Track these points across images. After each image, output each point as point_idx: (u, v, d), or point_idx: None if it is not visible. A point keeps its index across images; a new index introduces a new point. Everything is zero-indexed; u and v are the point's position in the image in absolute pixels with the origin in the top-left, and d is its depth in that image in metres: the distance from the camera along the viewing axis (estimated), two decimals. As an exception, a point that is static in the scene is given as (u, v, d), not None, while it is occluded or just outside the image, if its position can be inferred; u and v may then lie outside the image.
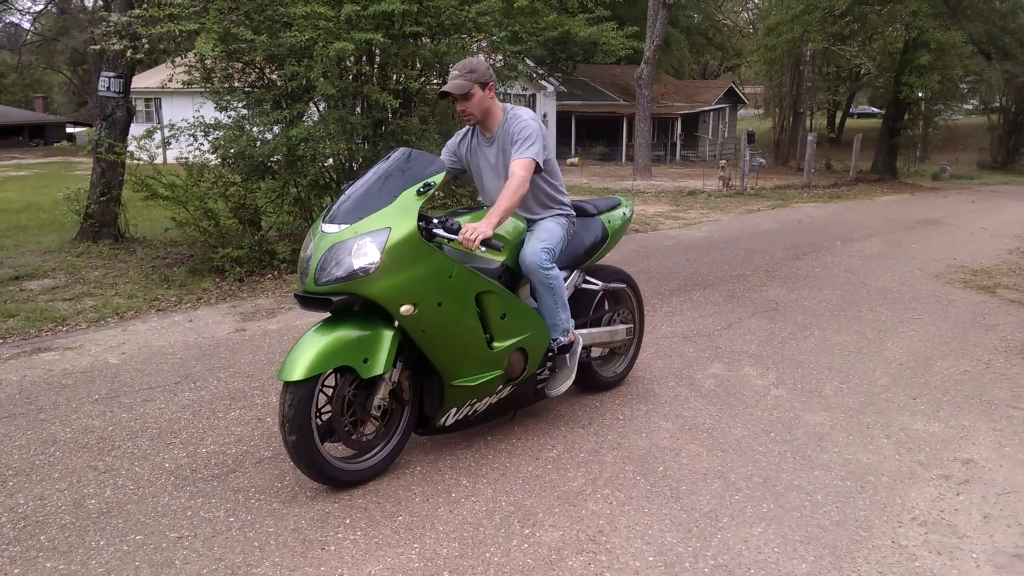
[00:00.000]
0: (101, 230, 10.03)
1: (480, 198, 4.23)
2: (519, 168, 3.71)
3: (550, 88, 27.50)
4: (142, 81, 26.67)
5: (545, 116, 28.36)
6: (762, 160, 20.32)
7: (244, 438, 3.89)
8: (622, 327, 4.75)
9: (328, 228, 3.31)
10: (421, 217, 3.39)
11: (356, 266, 3.18)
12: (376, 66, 7.87)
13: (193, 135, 8.70)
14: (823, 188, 20.26)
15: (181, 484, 3.40)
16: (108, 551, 2.90)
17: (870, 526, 3.18)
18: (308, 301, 3.29)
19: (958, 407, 4.54)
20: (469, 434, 3.98)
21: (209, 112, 8.90)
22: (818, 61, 33.95)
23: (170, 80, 9.35)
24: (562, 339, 4.05)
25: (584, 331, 4.36)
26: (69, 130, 42.19)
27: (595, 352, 4.67)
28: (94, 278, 8.11)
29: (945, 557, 2.96)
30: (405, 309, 3.26)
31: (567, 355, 4.13)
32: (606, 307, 4.78)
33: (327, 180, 8.68)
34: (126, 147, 9.25)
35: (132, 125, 10.12)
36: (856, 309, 6.83)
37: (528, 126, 3.82)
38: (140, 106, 30.88)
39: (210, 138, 8.54)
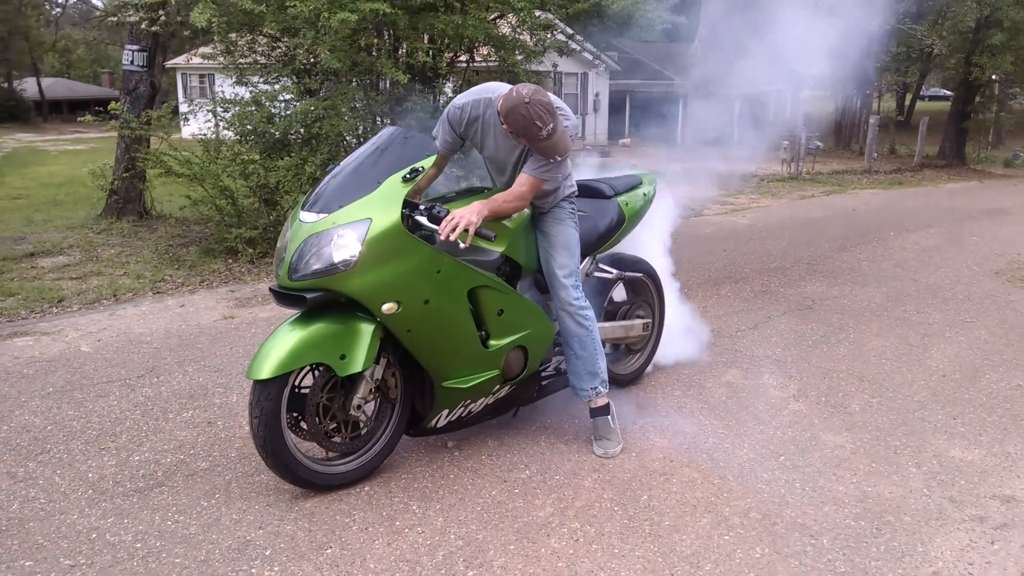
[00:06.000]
0: (125, 206, 9.91)
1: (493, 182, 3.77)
2: (528, 187, 3.27)
3: (602, 66, 26.76)
4: (196, 57, 26.81)
5: (598, 95, 27.67)
6: (819, 143, 19.37)
7: (185, 444, 3.55)
8: (639, 322, 4.35)
9: (306, 217, 3.01)
10: (407, 204, 3.04)
11: (332, 260, 2.88)
12: (393, 39, 7.47)
13: (212, 111, 8.45)
14: (884, 173, 19.27)
15: (97, 499, 3.07)
16: (-3, 577, 2.59)
17: (880, 581, 2.69)
18: (283, 297, 3.00)
19: (1004, 431, 3.97)
20: (433, 448, 3.58)
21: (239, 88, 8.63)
22: (888, 41, 32.43)
23: (194, 55, 9.12)
24: (602, 389, 3.63)
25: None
26: (131, 105, 42.84)
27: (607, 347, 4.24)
28: (108, 256, 7.94)
29: (967, 628, 2.47)
30: (388, 308, 2.96)
31: (608, 417, 3.67)
32: (623, 298, 4.38)
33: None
34: (149, 122, 9.04)
35: (181, 101, 9.94)
36: (901, 309, 6.22)
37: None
38: (195, 81, 31.07)
39: (227, 115, 8.28)
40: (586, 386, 3.60)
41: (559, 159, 3.22)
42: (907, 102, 45.28)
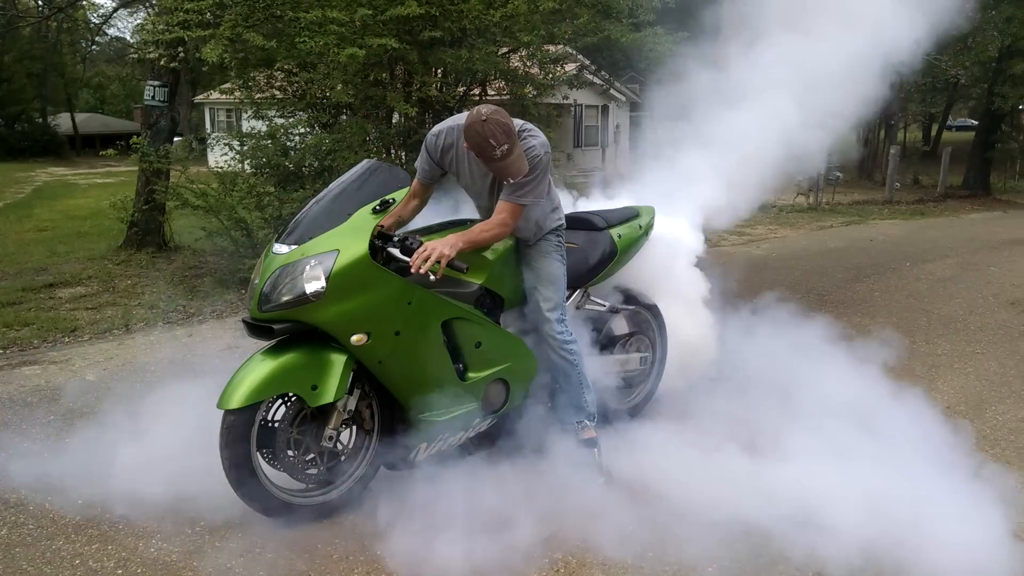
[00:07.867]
0: (145, 238, 10.10)
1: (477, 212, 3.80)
2: (508, 213, 3.25)
3: (622, 99, 26.85)
4: (216, 93, 27.34)
5: (618, 127, 27.77)
6: (839, 174, 19.26)
7: (175, 472, 3.55)
8: (636, 355, 4.32)
9: (278, 249, 3.06)
10: (381, 236, 3.07)
11: (300, 292, 2.90)
12: (403, 72, 7.59)
13: (229, 144, 8.62)
14: (906, 204, 19.13)
15: (84, 526, 3.11)
16: (-20, 602, 2.63)
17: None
18: (254, 328, 3.02)
19: (1007, 463, 3.90)
20: (420, 477, 3.52)
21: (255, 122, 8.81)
22: (912, 72, 32.20)
23: (213, 92, 9.32)
24: (588, 423, 3.61)
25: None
26: (160, 139, 43.60)
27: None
28: (124, 287, 8.09)
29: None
30: (357, 339, 2.96)
31: (594, 451, 3.64)
32: (623, 332, 4.33)
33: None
34: (168, 156, 9.24)
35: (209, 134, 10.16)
36: (909, 340, 6.14)
37: (538, 161, 3.26)
38: (222, 116, 31.62)
39: (244, 148, 8.44)
40: (571, 419, 3.59)
41: (511, 181, 3.19)
42: (933, 132, 44.91)
